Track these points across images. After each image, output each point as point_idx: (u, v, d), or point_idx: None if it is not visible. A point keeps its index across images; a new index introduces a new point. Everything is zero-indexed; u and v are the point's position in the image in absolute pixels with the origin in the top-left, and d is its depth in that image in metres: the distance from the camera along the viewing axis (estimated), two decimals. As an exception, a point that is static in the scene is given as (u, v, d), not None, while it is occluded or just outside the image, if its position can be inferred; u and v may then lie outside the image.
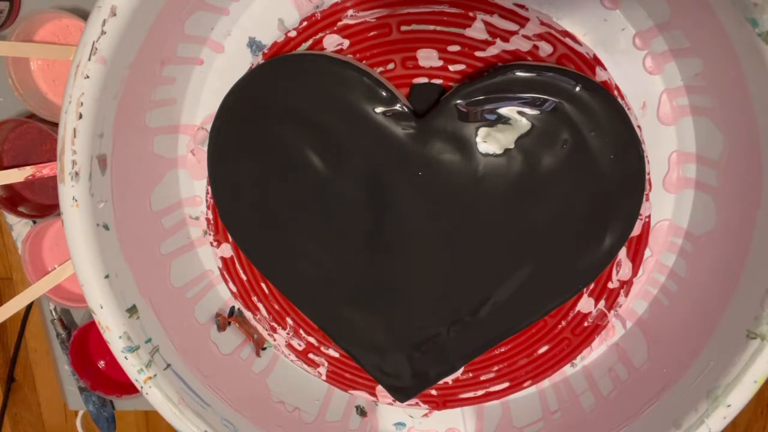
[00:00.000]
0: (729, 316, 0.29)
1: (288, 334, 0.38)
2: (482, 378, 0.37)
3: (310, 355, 0.39)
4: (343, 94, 0.31)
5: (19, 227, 0.53)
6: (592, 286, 0.35)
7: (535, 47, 0.31)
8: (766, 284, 0.27)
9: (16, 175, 0.46)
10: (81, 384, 0.57)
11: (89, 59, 0.27)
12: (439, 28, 0.32)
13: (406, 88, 0.33)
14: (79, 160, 0.28)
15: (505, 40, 0.31)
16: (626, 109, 0.31)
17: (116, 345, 0.31)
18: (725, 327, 0.29)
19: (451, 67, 0.32)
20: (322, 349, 0.38)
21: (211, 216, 0.37)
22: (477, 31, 0.32)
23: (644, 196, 0.32)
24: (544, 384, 0.37)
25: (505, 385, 0.37)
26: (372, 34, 0.32)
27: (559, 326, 0.36)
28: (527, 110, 0.31)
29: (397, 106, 0.31)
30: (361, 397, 0.39)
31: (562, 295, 0.34)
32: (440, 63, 0.32)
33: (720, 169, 0.31)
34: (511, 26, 0.31)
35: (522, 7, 0.31)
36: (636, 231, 0.34)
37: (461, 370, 0.37)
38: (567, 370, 0.37)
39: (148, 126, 0.33)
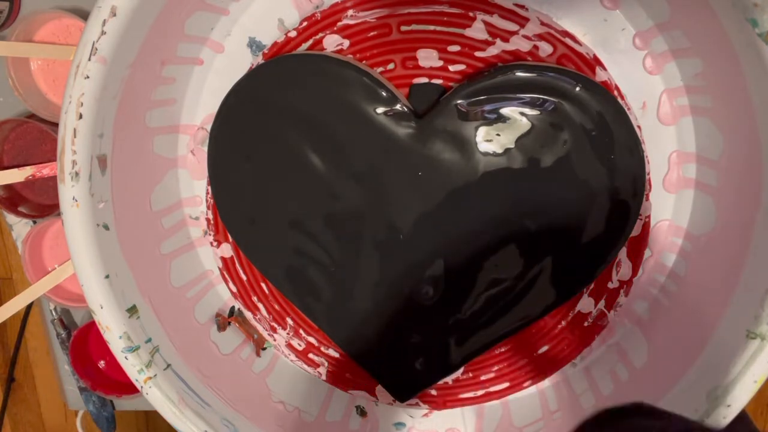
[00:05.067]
0: (729, 316, 0.29)
1: (288, 334, 0.38)
2: (482, 378, 0.37)
3: (310, 355, 0.39)
4: (343, 94, 0.31)
5: (19, 227, 0.53)
6: (592, 286, 0.35)
7: (535, 47, 0.31)
8: (766, 284, 0.27)
9: (16, 175, 0.46)
10: (81, 384, 0.57)
11: (89, 59, 0.27)
12: (439, 28, 0.32)
13: (406, 88, 0.33)
14: (79, 160, 0.28)
15: (505, 40, 0.31)
16: (626, 109, 0.31)
17: (116, 345, 0.31)
18: (725, 327, 0.29)
19: (451, 67, 0.32)
20: (322, 349, 0.38)
21: (211, 216, 0.37)
22: (477, 31, 0.32)
23: (644, 196, 0.32)
24: (544, 384, 0.37)
25: (505, 385, 0.37)
26: (372, 34, 0.32)
27: (559, 326, 0.36)
28: (527, 110, 0.31)
29: (397, 106, 0.31)
30: (361, 397, 0.39)
31: (562, 295, 0.34)
32: (440, 63, 0.32)
33: (720, 169, 0.31)
34: (511, 26, 0.31)
35: (522, 7, 0.31)
36: (636, 231, 0.34)
37: (461, 370, 0.37)
38: (567, 370, 0.37)
39: (148, 126, 0.33)
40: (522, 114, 0.31)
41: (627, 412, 0.26)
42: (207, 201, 0.37)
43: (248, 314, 0.39)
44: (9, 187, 0.49)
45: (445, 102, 0.31)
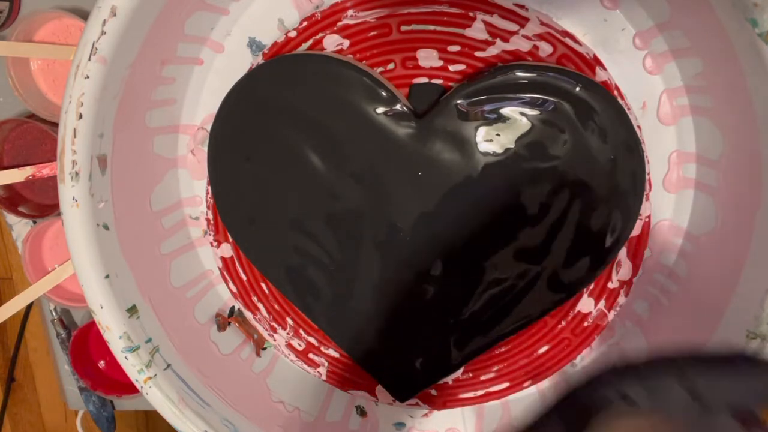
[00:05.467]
0: (729, 316, 0.29)
1: (288, 334, 0.38)
2: (482, 378, 0.37)
3: (310, 355, 0.39)
4: (343, 94, 0.31)
5: (19, 227, 0.53)
6: (592, 286, 0.35)
7: (535, 47, 0.31)
8: (766, 284, 0.27)
9: (16, 175, 0.46)
10: (81, 384, 0.57)
11: (89, 59, 0.27)
12: (439, 28, 0.32)
13: (406, 88, 0.33)
14: (79, 160, 0.28)
15: (505, 40, 0.31)
16: (626, 109, 0.31)
17: (116, 345, 0.31)
18: (725, 327, 0.29)
19: (451, 67, 0.32)
20: (322, 349, 0.38)
21: (211, 216, 0.37)
22: (477, 31, 0.32)
23: (644, 196, 0.32)
24: (544, 384, 0.37)
25: (505, 385, 0.37)
26: (372, 34, 0.32)
27: (559, 326, 0.36)
28: (527, 110, 0.31)
29: (397, 106, 0.31)
30: (361, 397, 0.39)
31: (562, 295, 0.34)
32: (440, 63, 0.32)
33: (720, 169, 0.31)
34: (511, 26, 0.31)
35: (522, 7, 0.31)
36: (636, 231, 0.34)
37: (461, 370, 0.37)
38: (567, 370, 0.37)
39: (148, 126, 0.33)
40: (522, 114, 0.31)
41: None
42: (207, 201, 0.37)
43: (248, 314, 0.39)
44: (9, 187, 0.49)
45: (445, 102, 0.31)
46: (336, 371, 0.39)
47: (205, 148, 0.35)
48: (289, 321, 0.38)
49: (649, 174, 0.33)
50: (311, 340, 0.38)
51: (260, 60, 0.34)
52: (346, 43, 0.33)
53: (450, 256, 0.33)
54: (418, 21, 0.32)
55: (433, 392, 0.38)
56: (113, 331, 0.30)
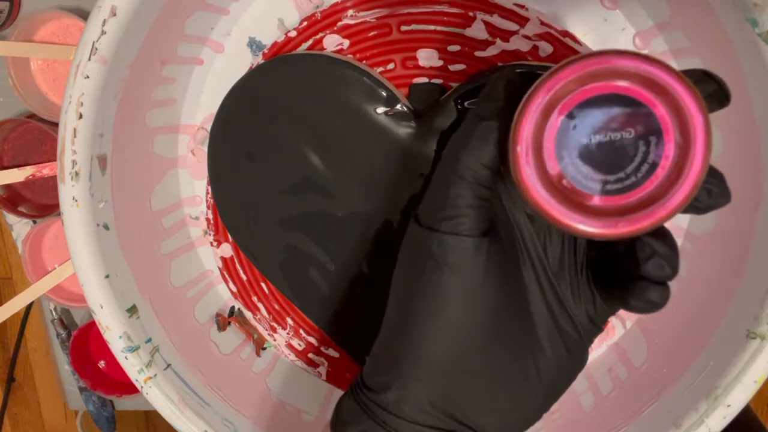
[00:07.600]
0: (729, 316, 0.29)
1: (288, 334, 0.38)
2: (482, 378, 0.37)
3: (310, 355, 0.39)
4: (343, 94, 0.31)
5: (19, 227, 0.53)
6: (592, 286, 0.35)
7: (535, 47, 0.31)
8: (766, 284, 0.27)
9: (16, 175, 0.46)
10: (81, 384, 0.57)
11: (89, 59, 0.27)
12: (439, 28, 0.32)
13: (406, 88, 0.33)
14: (79, 160, 0.28)
15: (505, 40, 0.31)
16: (626, 109, 0.31)
17: (116, 345, 0.31)
18: (725, 327, 0.29)
19: (451, 67, 0.32)
20: (322, 349, 0.38)
21: (211, 216, 0.37)
22: (477, 31, 0.32)
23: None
24: (544, 384, 0.37)
25: (505, 385, 0.37)
26: (372, 34, 0.32)
27: (559, 326, 0.36)
28: (527, 110, 0.31)
29: (398, 106, 0.31)
30: (361, 397, 0.39)
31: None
32: (440, 63, 0.32)
33: (720, 169, 0.31)
34: (511, 26, 0.31)
35: (522, 7, 0.31)
36: (636, 231, 0.34)
37: (461, 370, 0.37)
38: (567, 370, 0.37)
39: (148, 126, 0.33)
40: (522, 114, 0.31)
41: None
42: (207, 201, 0.37)
43: (248, 314, 0.39)
44: (9, 187, 0.49)
45: (445, 101, 0.31)
46: (336, 371, 0.39)
47: (205, 148, 0.35)
48: (289, 321, 0.38)
49: (649, 174, 0.33)
50: (311, 340, 0.38)
51: (260, 60, 0.34)
52: (346, 43, 0.33)
53: (450, 256, 0.33)
54: (418, 21, 0.32)
55: (433, 392, 0.38)
56: (113, 331, 0.30)
